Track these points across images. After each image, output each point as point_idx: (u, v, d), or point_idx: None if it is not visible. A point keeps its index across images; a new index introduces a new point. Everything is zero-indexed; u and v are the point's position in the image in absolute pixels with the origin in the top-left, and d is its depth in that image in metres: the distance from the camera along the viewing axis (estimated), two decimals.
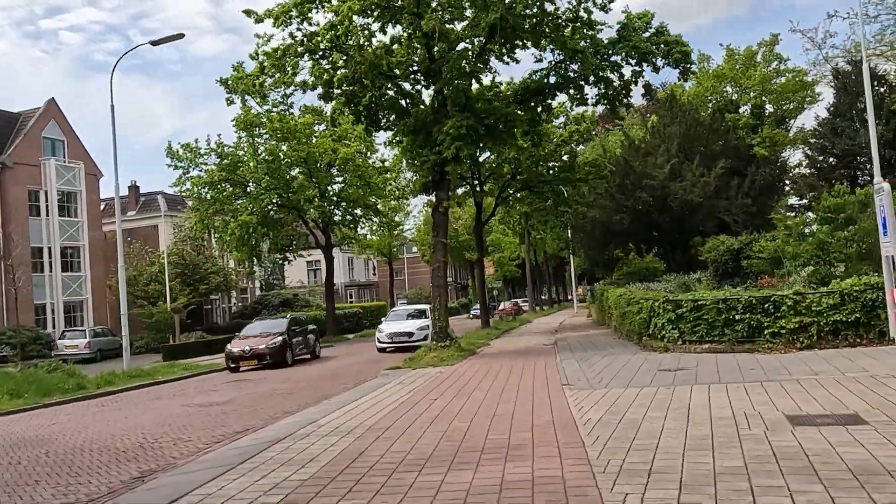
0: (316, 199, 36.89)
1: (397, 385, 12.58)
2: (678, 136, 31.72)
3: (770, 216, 36.10)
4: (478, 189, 31.22)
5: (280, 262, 46.82)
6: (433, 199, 19.35)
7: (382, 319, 26.97)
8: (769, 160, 33.25)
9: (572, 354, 16.02)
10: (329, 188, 39.03)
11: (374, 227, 47.11)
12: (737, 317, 13.17)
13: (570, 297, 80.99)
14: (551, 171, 30.38)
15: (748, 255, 22.31)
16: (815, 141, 31.14)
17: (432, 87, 18.97)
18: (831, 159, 31.00)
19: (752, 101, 39.01)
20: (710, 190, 29.02)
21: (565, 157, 30.17)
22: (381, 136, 36.65)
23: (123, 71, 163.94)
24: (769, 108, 39.60)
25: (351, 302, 69.25)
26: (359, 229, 44.56)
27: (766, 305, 12.85)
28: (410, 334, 23.68)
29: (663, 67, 18.86)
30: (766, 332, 12.82)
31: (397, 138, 20.49)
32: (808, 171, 32.15)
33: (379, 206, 42.76)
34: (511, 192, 31.93)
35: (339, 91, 19.47)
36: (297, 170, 37.70)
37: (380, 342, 24.22)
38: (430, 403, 9.91)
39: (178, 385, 17.98)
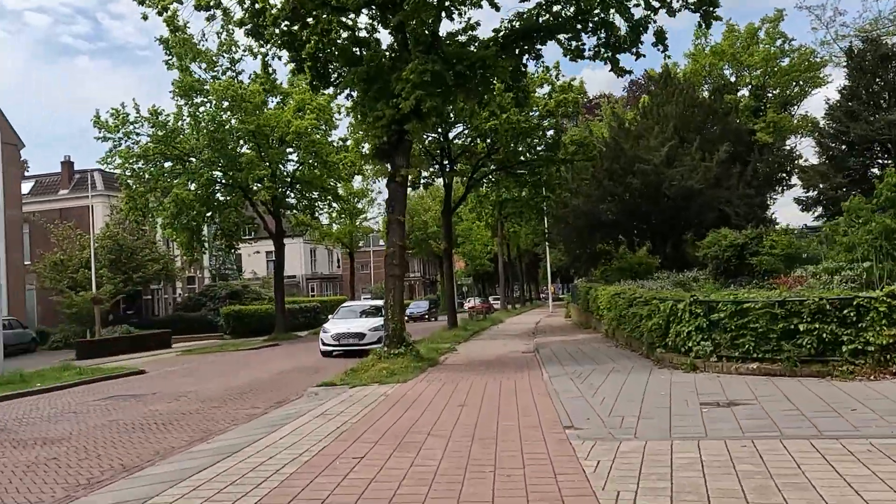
0: (266, 180, 32.47)
1: (318, 417, 8.56)
2: (674, 116, 28.21)
3: (767, 209, 32.93)
4: (447, 169, 27.17)
5: (225, 249, 42.43)
6: (388, 167, 15.27)
7: (329, 317, 22.76)
8: (773, 147, 29.89)
9: (563, 369, 12.21)
10: (281, 167, 34.66)
11: (334, 214, 42.60)
12: (801, 326, 9.38)
13: (542, 296, 77.56)
14: (532, 151, 26.44)
15: (755, 251, 19.05)
16: (827, 124, 27.76)
17: (391, 25, 14.90)
18: (843, 146, 27.74)
19: (752, 82, 35.55)
20: (712, 176, 25.59)
21: (550, 133, 26.14)
22: (341, 106, 32.88)
23: (90, 55, 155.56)
24: (771, 92, 36.14)
25: (312, 295, 64.66)
26: (317, 215, 40.08)
27: (847, 311, 9.09)
28: (361, 336, 19.60)
29: (680, 10, 15.06)
30: (844, 348, 9.08)
31: (347, 90, 16.29)
32: (819, 159, 28.75)
33: (339, 191, 38.51)
34: (485, 171, 27.86)
35: (276, 31, 15.42)
36: (245, 146, 33.35)
37: (324, 344, 20.08)
38: (351, 466, 5.93)
39: (45, 399, 13.60)
